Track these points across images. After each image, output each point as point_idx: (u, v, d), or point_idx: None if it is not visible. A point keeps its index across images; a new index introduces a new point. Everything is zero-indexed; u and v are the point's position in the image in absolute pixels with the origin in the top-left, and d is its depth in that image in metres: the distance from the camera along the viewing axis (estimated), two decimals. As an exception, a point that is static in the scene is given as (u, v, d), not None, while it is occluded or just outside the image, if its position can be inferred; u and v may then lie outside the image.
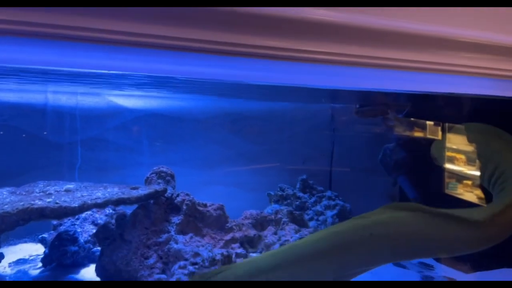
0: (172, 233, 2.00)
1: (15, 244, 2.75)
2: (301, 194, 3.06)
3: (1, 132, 2.92)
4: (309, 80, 1.49)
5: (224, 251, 2.00)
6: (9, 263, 2.44)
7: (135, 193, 1.96)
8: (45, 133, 3.00)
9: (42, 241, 2.42)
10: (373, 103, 3.02)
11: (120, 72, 1.65)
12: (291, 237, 2.46)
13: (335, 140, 3.45)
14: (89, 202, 1.85)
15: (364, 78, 1.43)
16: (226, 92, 3.31)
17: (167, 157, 3.36)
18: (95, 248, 2.42)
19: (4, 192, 2.04)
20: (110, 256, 2.03)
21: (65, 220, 2.46)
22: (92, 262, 2.39)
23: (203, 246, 2.00)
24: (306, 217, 3.00)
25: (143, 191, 1.99)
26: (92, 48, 1.24)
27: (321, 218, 2.97)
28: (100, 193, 1.95)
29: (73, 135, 3.09)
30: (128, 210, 2.23)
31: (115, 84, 2.76)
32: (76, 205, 1.80)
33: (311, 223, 2.98)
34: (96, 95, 3.19)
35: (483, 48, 1.56)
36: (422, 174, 2.45)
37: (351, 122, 3.35)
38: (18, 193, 2.04)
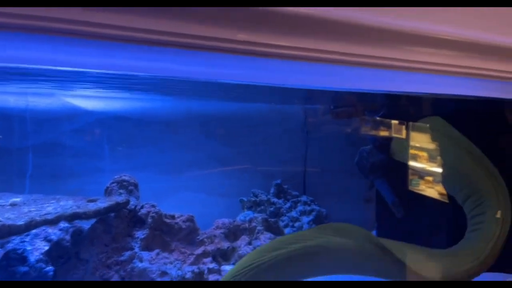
0: (136, 250, 1.79)
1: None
2: (275, 200, 2.92)
3: None
4: (303, 80, 1.35)
5: (195, 268, 1.81)
6: None
7: (92, 207, 1.73)
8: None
9: (-14, 262, 2.12)
10: (348, 104, 2.92)
11: (72, 69, 1.43)
12: (267, 247, 2.30)
13: (308, 142, 3.33)
14: (38, 218, 1.61)
15: (360, 78, 1.30)
16: (196, 92, 3.12)
17: (131, 163, 3.11)
18: (49, 268, 2.15)
19: None
20: (65, 278, 1.79)
21: (14, 237, 2.17)
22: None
23: (171, 263, 1.81)
24: (281, 223, 2.86)
25: (102, 203, 1.77)
26: (38, 40, 1.05)
27: (296, 224, 2.84)
28: (51, 207, 1.71)
29: (23, 140, 2.78)
30: (86, 224, 1.99)
31: (70, 82, 2.50)
32: (22, 223, 1.56)
33: (286, 230, 2.85)
34: (49, 96, 2.89)
35: (467, 46, 1.48)
36: (401, 177, 2.37)
37: (325, 123, 3.25)
38: (-47, 209, 1.76)
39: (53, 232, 2.30)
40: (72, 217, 1.66)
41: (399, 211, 2.58)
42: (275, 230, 2.56)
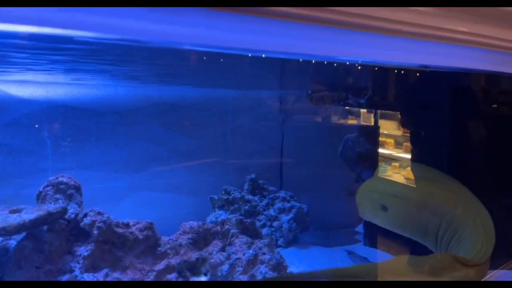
0: (77, 272, 1.38)
1: None
2: (250, 197, 2.58)
3: None
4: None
5: (155, 290, 1.44)
6: None
7: (15, 220, 1.31)
8: None
9: None
10: (327, 88, 2.62)
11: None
12: (244, 254, 1.96)
13: (284, 131, 3.00)
14: None
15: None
16: (154, 76, 2.70)
17: (79, 160, 2.65)
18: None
19: None
20: (-18, 313, 1.36)
21: None
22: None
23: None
24: (258, 224, 2.52)
25: (27, 215, 1.35)
26: None
27: (275, 224, 2.51)
28: (-43, 223, 1.27)
29: None
30: (15, 240, 1.56)
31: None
32: None
33: (264, 230, 2.52)
34: (-28, 82, 2.38)
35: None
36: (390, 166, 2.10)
37: (302, 110, 2.92)
38: None
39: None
40: (-16, 235, 1.24)
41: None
42: (252, 233, 2.22)
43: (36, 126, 2.59)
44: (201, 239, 2.07)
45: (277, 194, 2.62)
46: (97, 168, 2.72)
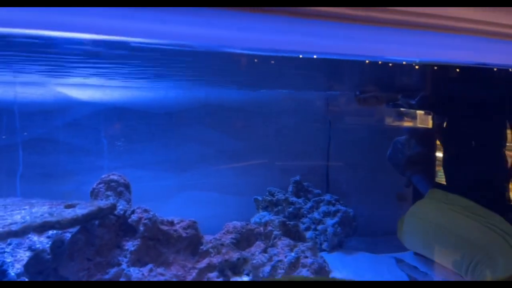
0: (124, 265, 1.46)
1: None
2: (294, 199, 2.55)
3: None
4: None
5: (195, 287, 1.47)
6: None
7: (68, 214, 1.41)
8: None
9: (-37, 275, 1.84)
10: (377, 89, 2.52)
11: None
12: (285, 257, 1.94)
13: (331, 133, 2.94)
14: (0, 230, 1.29)
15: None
16: (204, 79, 2.77)
17: (132, 159, 2.79)
18: (31, 283, 1.85)
19: None
20: (41, 299, 1.48)
21: (-8, 246, 1.88)
22: (27, 300, 1.83)
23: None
24: (302, 226, 2.49)
25: (81, 210, 1.44)
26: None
27: (320, 227, 2.46)
28: (20, 216, 1.40)
29: (12, 136, 2.50)
30: (70, 233, 1.67)
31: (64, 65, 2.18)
32: (-23, 236, 1.25)
33: (308, 234, 2.48)
34: (40, 85, 2.60)
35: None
36: (444, 171, 1.97)
37: (350, 111, 2.84)
38: None
39: (39, 241, 2.01)
40: (42, 228, 1.34)
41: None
42: (295, 235, 2.19)
43: (94, 126, 2.78)
44: (244, 240, 2.08)
45: (322, 197, 2.57)
46: (148, 167, 2.84)
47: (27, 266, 1.66)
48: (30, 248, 1.97)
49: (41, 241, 2.00)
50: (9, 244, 1.97)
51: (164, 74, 2.64)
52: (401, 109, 2.31)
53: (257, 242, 2.11)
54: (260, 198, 2.67)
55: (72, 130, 2.67)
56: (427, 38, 1.13)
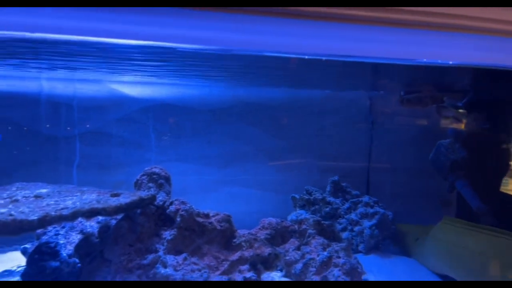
0: (161, 253, 1.56)
1: (4, 252, 2.44)
2: (332, 199, 2.55)
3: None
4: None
5: (225, 278, 1.54)
6: (-9, 276, 2.11)
7: (113, 202, 1.54)
8: (38, 125, 2.67)
9: (24, 253, 2.06)
10: (422, 90, 2.43)
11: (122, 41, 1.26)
12: (318, 255, 1.95)
13: (373, 134, 2.88)
14: (53, 214, 1.44)
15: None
16: (246, 77, 2.84)
17: (176, 153, 2.95)
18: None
19: (-34, 197, 1.68)
20: (88, 279, 1.63)
21: (49, 229, 2.09)
22: (78, 279, 2.01)
23: (199, 270, 1.55)
24: (338, 227, 2.49)
25: (124, 199, 1.57)
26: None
27: (356, 228, 2.44)
28: (71, 201, 1.55)
29: (71, 128, 2.74)
30: (115, 220, 1.82)
31: (117, 63, 2.36)
32: (35, 218, 1.40)
33: (344, 234, 2.47)
34: (96, 83, 2.82)
35: None
36: (491, 178, 1.86)
37: (394, 112, 2.76)
38: (-18, 198, 1.67)
39: (90, 225, 2.19)
40: (89, 213, 1.48)
41: (485, 219, 2.06)
42: (329, 235, 2.19)
43: (142, 121, 2.95)
44: (278, 236, 2.11)
45: (360, 199, 2.54)
46: (191, 161, 2.98)
47: (77, 247, 1.82)
48: (81, 232, 2.16)
49: (91, 226, 2.19)
50: (63, 227, 2.17)
51: (209, 74, 2.75)
52: (447, 111, 2.21)
53: (292, 239, 2.14)
54: (297, 197, 2.69)
55: (123, 125, 2.87)
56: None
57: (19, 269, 2.26)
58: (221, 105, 3.01)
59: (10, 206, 1.49)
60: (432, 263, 2.02)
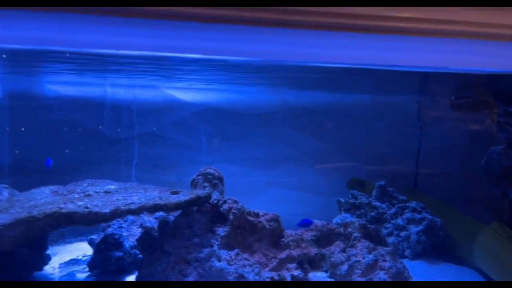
0: (215, 247, 1.69)
1: (71, 242, 2.70)
2: (378, 204, 2.57)
3: (65, 128, 2.88)
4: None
5: (275, 274, 1.64)
6: (60, 264, 2.35)
7: (174, 199, 1.69)
8: (102, 127, 2.92)
9: (91, 243, 2.29)
10: (473, 94, 2.39)
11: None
12: (363, 258, 2.00)
13: (422, 139, 2.85)
14: (122, 208, 1.62)
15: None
16: (292, 81, 2.93)
17: (225, 155, 3.10)
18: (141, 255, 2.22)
19: (46, 191, 1.91)
20: (149, 268, 1.79)
21: (114, 222, 2.30)
22: (139, 269, 2.20)
23: (250, 266, 1.66)
24: (384, 231, 2.50)
25: (183, 196, 1.71)
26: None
27: (403, 234, 2.44)
28: (137, 197, 1.72)
29: (130, 131, 2.97)
30: (173, 216, 1.98)
31: (174, 72, 2.56)
32: (107, 211, 1.58)
33: (389, 239, 2.48)
34: (153, 88, 3.03)
35: None
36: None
37: (443, 117, 2.72)
38: (60, 192, 1.90)
39: (149, 220, 2.38)
40: (153, 209, 1.64)
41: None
42: (375, 239, 2.22)
43: (194, 125, 3.14)
44: (324, 238, 2.18)
45: (407, 204, 2.53)
46: (239, 163, 3.12)
47: (139, 240, 2.00)
48: (141, 226, 2.36)
49: (150, 220, 2.38)
50: (125, 221, 2.39)
51: (257, 81, 2.88)
52: (500, 116, 2.17)
53: (337, 242, 2.19)
54: (343, 200, 2.73)
55: (177, 128, 3.06)
56: None
57: (85, 258, 2.50)
58: (268, 109, 3.12)
59: (86, 200, 1.68)
60: (478, 264, 1.99)
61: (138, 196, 1.74)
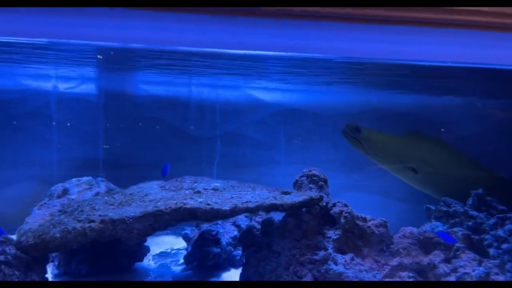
0: (330, 250, 1.66)
1: (157, 236, 2.77)
2: (475, 213, 2.43)
3: (158, 127, 2.96)
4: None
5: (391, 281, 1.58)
6: (153, 256, 2.42)
7: (288, 199, 1.67)
8: (187, 126, 2.98)
9: (185, 238, 2.33)
10: None
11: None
12: (473, 270, 1.89)
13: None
14: (240, 206, 1.63)
15: None
16: (376, 82, 2.86)
17: (304, 157, 3.07)
18: (236, 252, 2.24)
19: (155, 187, 1.97)
20: (256, 267, 1.79)
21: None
22: (232, 266, 2.22)
23: (366, 271, 1.62)
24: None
25: (297, 197, 1.70)
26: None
27: (504, 246, 2.29)
28: (249, 196, 1.72)
29: (213, 130, 3.01)
30: (275, 216, 1.97)
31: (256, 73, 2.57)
32: (227, 209, 1.60)
33: (490, 251, 2.34)
34: (235, 88, 3.06)
35: None
36: None
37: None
38: (167, 188, 1.94)
39: (240, 218, 2.40)
40: (270, 208, 1.63)
41: None
42: (480, 250, 2.10)
43: (275, 125, 3.13)
44: (422, 246, 2.08)
45: (508, 215, 2.38)
46: (318, 165, 3.05)
47: (241, 237, 2.01)
48: (234, 224, 2.38)
49: (242, 219, 2.40)
50: (219, 218, 2.42)
51: (337, 81, 2.82)
52: None
53: (435, 251, 2.09)
54: (433, 207, 2.61)
55: (257, 127, 3.07)
56: None
57: (173, 251, 2.57)
58: (350, 110, 3.06)
59: (202, 197, 1.71)
60: None
61: (250, 194, 1.74)
